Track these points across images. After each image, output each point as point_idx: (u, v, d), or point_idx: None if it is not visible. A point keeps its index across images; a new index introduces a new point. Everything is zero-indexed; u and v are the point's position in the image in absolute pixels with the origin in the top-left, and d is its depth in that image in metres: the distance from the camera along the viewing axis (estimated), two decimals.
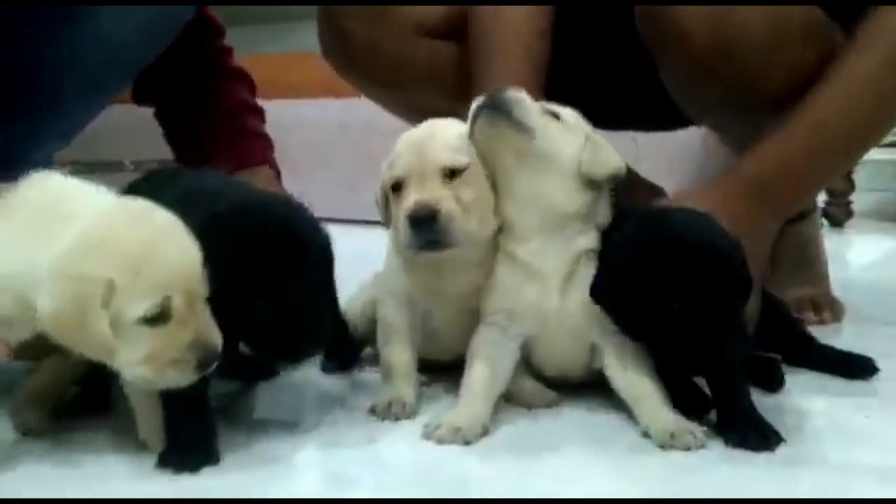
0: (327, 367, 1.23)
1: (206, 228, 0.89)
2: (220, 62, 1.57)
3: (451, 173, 1.03)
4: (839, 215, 3.03)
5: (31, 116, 1.34)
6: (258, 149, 1.51)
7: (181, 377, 0.86)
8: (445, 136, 1.05)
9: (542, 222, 1.04)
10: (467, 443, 0.97)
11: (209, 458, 0.90)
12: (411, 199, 1.01)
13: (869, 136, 1.19)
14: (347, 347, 1.20)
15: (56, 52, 1.28)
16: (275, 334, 0.93)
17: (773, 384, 1.14)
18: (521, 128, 1.01)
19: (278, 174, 1.52)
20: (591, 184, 1.03)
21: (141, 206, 0.89)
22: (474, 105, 1.04)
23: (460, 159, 1.03)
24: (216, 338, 0.87)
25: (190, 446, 0.91)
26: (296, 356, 0.99)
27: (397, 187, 1.05)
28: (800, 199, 1.18)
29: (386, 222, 1.11)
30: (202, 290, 0.87)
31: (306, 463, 0.94)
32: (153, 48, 1.39)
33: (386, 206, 1.09)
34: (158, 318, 0.84)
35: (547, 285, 1.04)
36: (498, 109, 1.01)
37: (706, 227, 0.99)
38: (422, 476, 0.91)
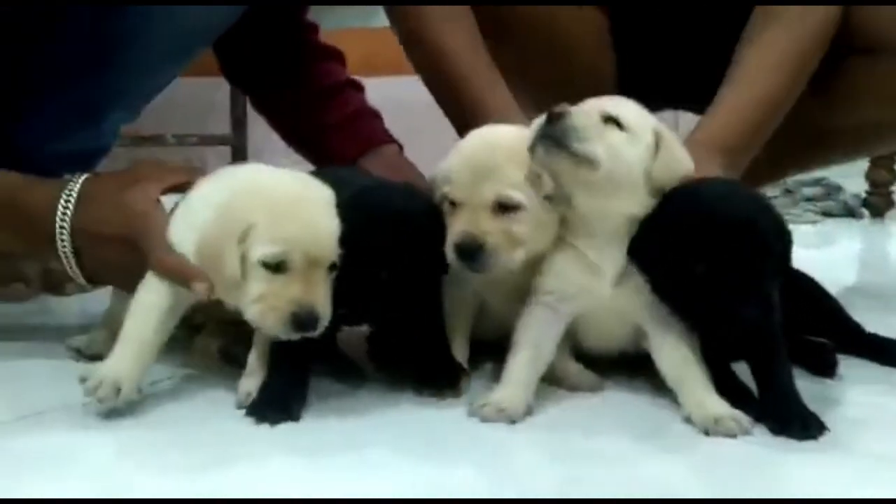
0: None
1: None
2: (310, 39, 1.53)
3: (505, 207, 1.02)
4: (880, 205, 2.99)
5: (109, 80, 1.37)
6: (376, 127, 1.49)
7: (277, 326, 0.96)
8: (509, 168, 1.03)
9: (608, 229, 1.03)
10: (512, 422, 0.99)
11: (289, 416, 0.99)
12: (460, 226, 1.02)
13: (792, 97, 1.33)
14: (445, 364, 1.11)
15: (134, 18, 1.29)
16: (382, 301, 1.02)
17: (827, 370, 1.15)
18: (584, 160, 0.97)
19: (400, 147, 1.48)
20: (660, 189, 1.02)
21: (303, 176, 1.04)
22: (533, 131, 1.00)
23: (517, 198, 1.02)
24: (321, 307, 0.96)
25: (275, 402, 0.99)
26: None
27: (452, 203, 1.05)
28: (747, 157, 1.30)
29: None
30: (327, 260, 0.97)
31: (357, 433, 0.97)
32: (225, 18, 1.37)
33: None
34: (277, 266, 0.95)
35: (603, 277, 1.04)
36: (556, 141, 0.97)
37: (739, 194, 1.01)
38: (467, 454, 0.92)
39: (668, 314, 1.03)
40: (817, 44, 1.33)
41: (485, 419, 0.99)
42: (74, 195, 1.09)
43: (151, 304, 1.02)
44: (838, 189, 3.00)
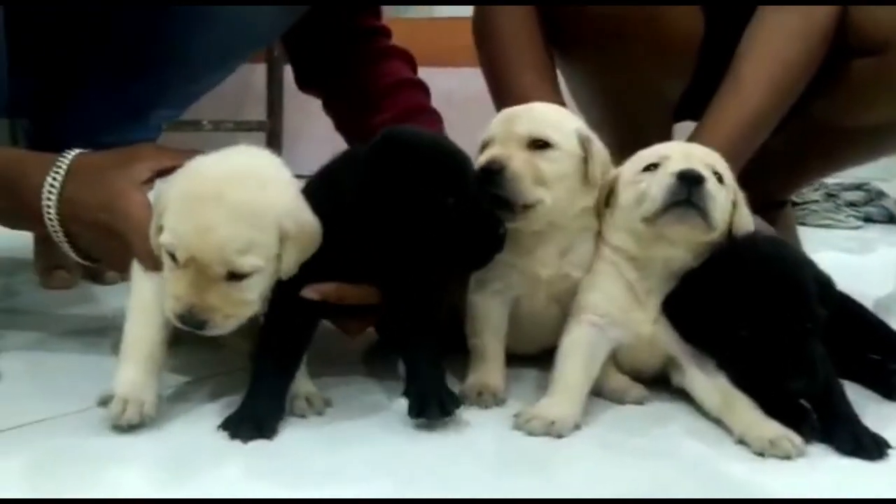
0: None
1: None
2: (375, 42, 1.51)
3: (537, 144, 1.05)
4: None
5: (159, 78, 1.37)
6: (424, 124, 1.43)
7: (170, 314, 0.92)
8: (542, 111, 1.09)
9: (667, 272, 1.05)
10: (560, 436, 0.97)
11: (262, 434, 0.93)
12: (487, 155, 1.05)
13: (784, 107, 1.36)
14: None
15: (185, 19, 1.29)
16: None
17: (891, 391, 1.13)
18: (710, 226, 1.00)
19: None
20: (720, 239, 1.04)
21: (247, 172, 0.94)
22: (663, 193, 0.99)
23: (549, 134, 1.06)
24: (210, 311, 0.90)
25: (250, 417, 0.94)
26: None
27: (484, 149, 1.08)
28: (742, 158, 1.31)
29: None
30: (216, 267, 0.89)
31: (389, 447, 0.94)
32: (283, 20, 1.36)
33: None
34: (173, 256, 0.91)
35: (647, 310, 1.05)
36: (697, 209, 0.99)
37: (783, 257, 1.01)
38: (510, 467, 0.91)
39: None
40: (812, 53, 1.35)
41: (531, 433, 0.97)
42: (63, 170, 1.02)
43: (146, 302, 0.96)
44: (881, 194, 2.95)
